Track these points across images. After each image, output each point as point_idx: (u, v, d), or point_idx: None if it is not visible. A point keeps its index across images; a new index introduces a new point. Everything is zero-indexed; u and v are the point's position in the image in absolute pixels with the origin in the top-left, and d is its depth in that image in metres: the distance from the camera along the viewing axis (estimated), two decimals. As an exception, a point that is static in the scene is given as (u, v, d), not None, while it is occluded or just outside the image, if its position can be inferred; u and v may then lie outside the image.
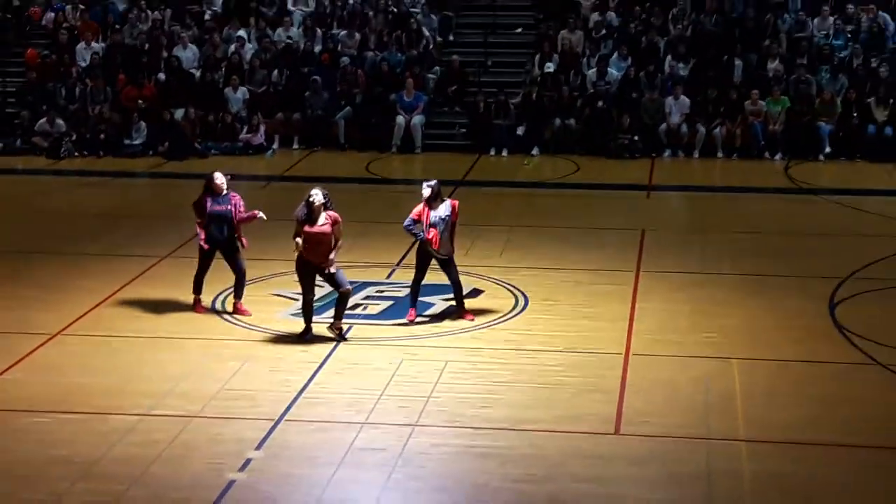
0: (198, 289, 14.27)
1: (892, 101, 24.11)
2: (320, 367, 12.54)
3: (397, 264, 16.21)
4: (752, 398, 11.73)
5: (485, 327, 13.84)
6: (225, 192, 14.09)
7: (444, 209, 13.79)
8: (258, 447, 10.57)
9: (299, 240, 13.11)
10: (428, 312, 14.22)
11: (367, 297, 14.87)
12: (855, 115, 24.24)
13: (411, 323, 13.87)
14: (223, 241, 14.06)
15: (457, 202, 14.05)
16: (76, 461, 10.30)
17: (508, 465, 10.28)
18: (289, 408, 11.43)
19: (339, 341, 13.19)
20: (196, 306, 14.25)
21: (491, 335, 13.61)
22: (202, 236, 14.12)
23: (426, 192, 13.84)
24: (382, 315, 14.30)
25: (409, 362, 12.69)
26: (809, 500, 9.72)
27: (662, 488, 9.90)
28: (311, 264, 13.13)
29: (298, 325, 13.47)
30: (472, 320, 13.95)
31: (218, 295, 14.56)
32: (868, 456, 10.65)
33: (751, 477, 10.08)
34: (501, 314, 14.29)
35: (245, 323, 13.91)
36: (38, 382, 12.14)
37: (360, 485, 9.95)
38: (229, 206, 14.03)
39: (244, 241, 14.11)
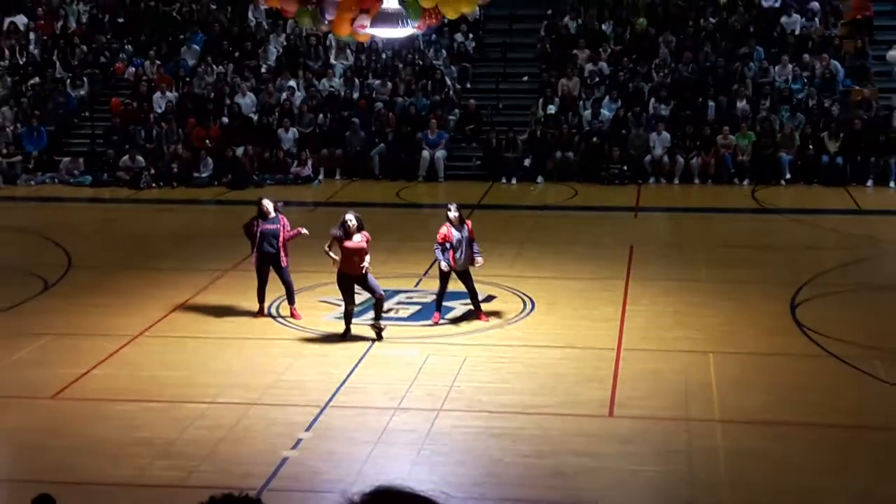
0: (260, 299, 14.26)
1: (842, 135, 24.01)
2: (359, 361, 12.54)
3: (424, 275, 16.18)
4: (726, 385, 11.67)
5: (498, 327, 13.82)
6: (273, 214, 14.08)
7: (463, 230, 13.74)
8: (307, 429, 10.57)
9: (332, 254, 13.17)
10: (449, 315, 14.19)
11: (398, 303, 14.85)
12: (811, 146, 24.14)
13: (436, 324, 13.86)
14: (273, 256, 14.04)
15: (469, 222, 14.01)
16: (155, 442, 10.32)
17: (519, 443, 10.26)
18: (333, 396, 11.43)
19: (377, 339, 13.18)
20: (258, 313, 14.24)
21: (503, 333, 13.58)
22: (254, 257, 14.15)
23: (453, 213, 13.73)
24: (411, 318, 14.29)
25: (434, 357, 12.67)
26: (777, 469, 9.66)
27: (649, 462, 9.86)
28: (349, 275, 13.13)
29: (341, 327, 13.46)
30: (487, 321, 13.92)
31: (272, 303, 14.57)
32: (826, 433, 10.59)
33: (725, 452, 10.03)
34: (512, 316, 14.26)
35: (295, 325, 13.91)
36: (122, 376, 12.17)
37: (393, 460, 9.94)
38: (278, 226, 14.02)
39: (284, 258, 13.95)
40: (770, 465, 9.75)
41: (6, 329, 13.88)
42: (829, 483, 9.51)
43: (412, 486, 2.22)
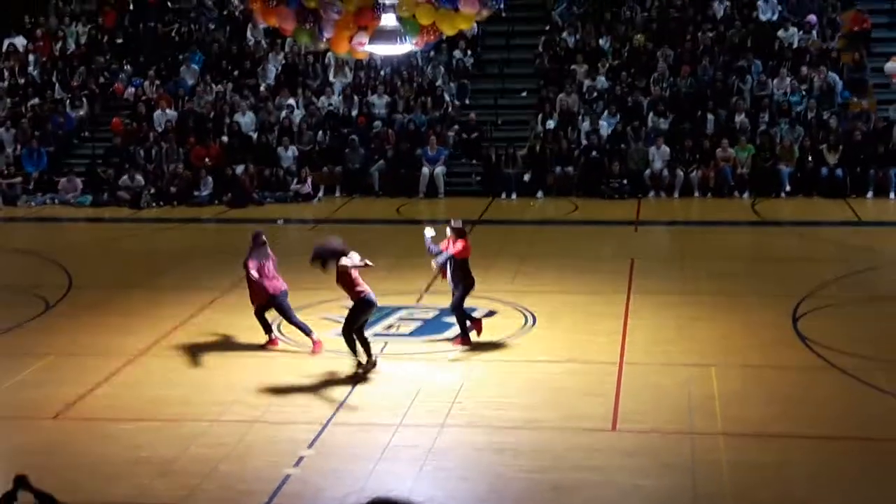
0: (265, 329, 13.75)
1: (841, 147, 24.06)
2: (361, 378, 12.49)
3: (425, 290, 16.14)
4: (729, 398, 11.63)
5: (500, 342, 13.77)
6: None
7: (453, 247, 13.37)
8: (310, 446, 10.52)
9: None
10: (450, 331, 14.15)
11: (400, 319, 14.81)
12: (810, 159, 24.21)
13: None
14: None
15: (459, 242, 13.39)
16: (156, 461, 10.27)
17: (521, 458, 10.21)
18: (335, 413, 11.39)
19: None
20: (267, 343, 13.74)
21: (505, 349, 13.53)
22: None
23: (456, 224, 13.48)
24: (413, 333, 14.25)
25: (436, 373, 12.64)
26: (780, 482, 9.62)
27: (653, 476, 9.80)
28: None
29: (343, 344, 13.28)
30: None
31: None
32: (828, 445, 10.54)
33: (729, 465, 9.98)
34: (513, 331, 14.23)
35: (298, 342, 13.85)
36: (123, 395, 12.13)
37: (396, 477, 9.89)
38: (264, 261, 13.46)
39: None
40: (774, 478, 9.70)
41: (8, 350, 13.85)
42: (832, 495, 9.45)
43: (408, 499, 2.21)
